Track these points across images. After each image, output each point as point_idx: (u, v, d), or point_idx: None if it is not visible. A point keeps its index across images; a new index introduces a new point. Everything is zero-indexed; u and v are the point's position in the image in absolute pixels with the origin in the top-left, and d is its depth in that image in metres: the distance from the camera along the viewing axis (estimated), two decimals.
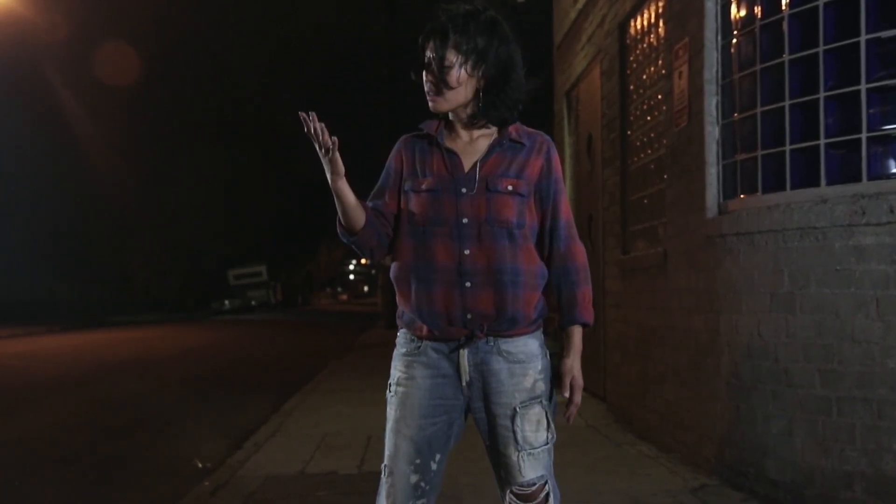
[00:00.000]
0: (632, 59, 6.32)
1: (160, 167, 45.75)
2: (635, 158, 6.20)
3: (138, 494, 4.96)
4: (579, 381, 2.28)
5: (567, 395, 2.27)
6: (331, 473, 4.93)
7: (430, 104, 2.26)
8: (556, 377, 2.32)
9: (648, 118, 5.87)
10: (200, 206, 49.82)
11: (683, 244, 4.90)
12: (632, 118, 6.31)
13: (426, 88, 2.25)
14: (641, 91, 6.06)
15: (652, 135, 5.78)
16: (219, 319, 38.19)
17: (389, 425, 2.27)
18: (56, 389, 10.00)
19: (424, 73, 2.25)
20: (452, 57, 2.19)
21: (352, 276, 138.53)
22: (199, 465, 5.53)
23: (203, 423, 7.42)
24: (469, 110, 2.26)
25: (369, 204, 2.32)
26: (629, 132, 6.36)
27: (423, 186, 2.25)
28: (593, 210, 7.44)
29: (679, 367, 5.00)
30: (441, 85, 2.21)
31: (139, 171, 43.25)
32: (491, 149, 2.26)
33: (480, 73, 2.21)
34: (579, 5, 7.84)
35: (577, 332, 2.31)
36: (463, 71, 2.20)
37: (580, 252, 2.33)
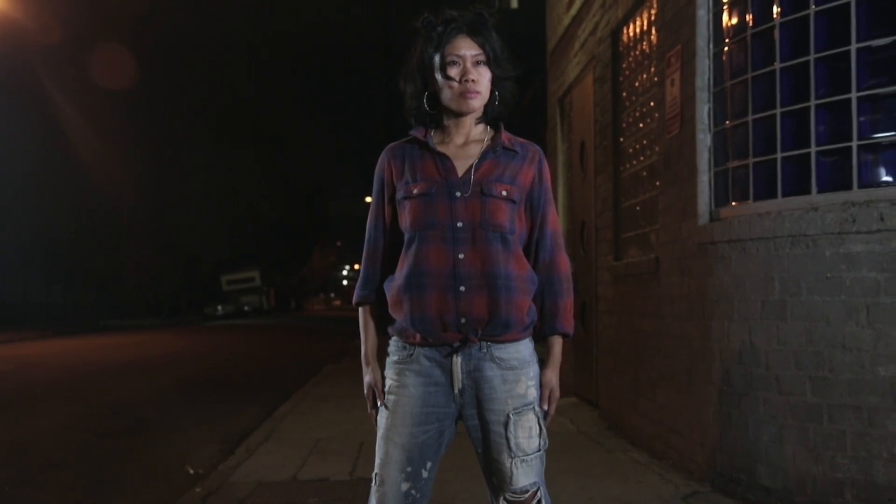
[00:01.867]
0: (624, 66, 6.34)
1: (155, 171, 45.74)
2: (628, 165, 6.22)
3: (130, 500, 4.95)
4: (556, 394, 2.33)
5: (545, 407, 2.30)
6: (323, 480, 4.93)
7: (466, 103, 2.23)
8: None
9: (641, 125, 5.89)
10: (195, 211, 49.81)
11: (675, 251, 4.92)
12: (624, 125, 6.33)
13: (462, 88, 2.22)
14: (634, 98, 6.08)
15: (644, 142, 5.80)
16: (212, 325, 38.10)
17: (381, 433, 2.26)
18: (49, 394, 9.97)
19: (457, 71, 2.22)
20: (491, 55, 2.24)
21: (345, 282, 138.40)
22: (191, 471, 5.51)
23: (195, 428, 7.40)
24: (480, 111, 2.30)
25: (369, 234, 2.40)
26: (622, 139, 6.38)
27: (416, 191, 2.24)
28: (586, 217, 7.45)
29: (671, 374, 5.02)
30: (482, 83, 2.23)
31: (134, 175, 43.21)
32: (484, 154, 2.27)
33: (495, 71, 2.27)
34: (572, 12, 7.87)
35: (557, 343, 2.34)
36: (494, 69, 2.26)
37: (564, 262, 2.35)
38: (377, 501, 2.23)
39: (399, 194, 2.28)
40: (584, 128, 7.62)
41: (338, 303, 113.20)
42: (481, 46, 2.22)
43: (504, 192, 2.23)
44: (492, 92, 2.28)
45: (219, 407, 8.76)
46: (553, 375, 2.31)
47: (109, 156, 40.45)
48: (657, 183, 5.36)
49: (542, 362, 2.30)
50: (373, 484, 2.26)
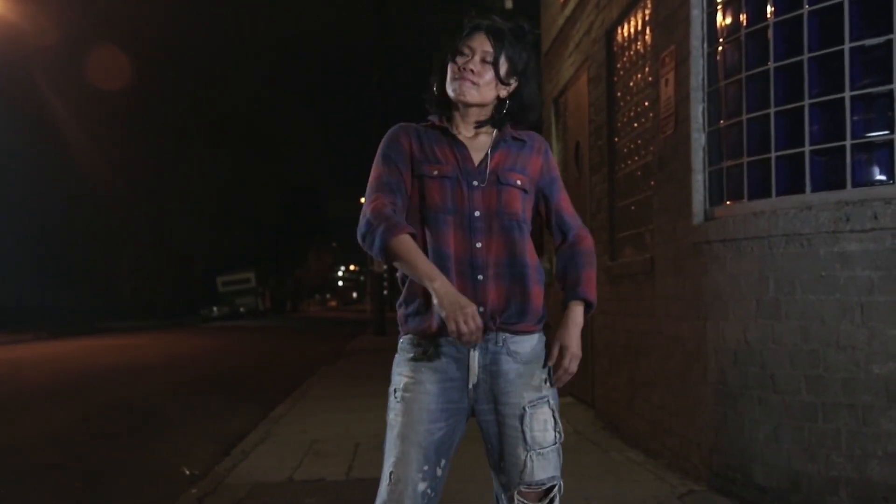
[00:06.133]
0: (619, 66, 6.35)
1: (150, 173, 45.66)
2: (623, 165, 6.23)
3: (126, 501, 4.94)
4: (574, 351, 2.26)
5: (551, 363, 2.26)
6: (319, 481, 4.92)
7: (460, 92, 2.26)
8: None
9: (635, 125, 5.90)
10: (191, 212, 49.74)
11: (670, 251, 4.92)
12: (619, 125, 6.33)
13: (459, 75, 2.26)
14: (628, 98, 6.09)
15: (639, 142, 5.80)
16: (207, 326, 38.05)
17: (395, 431, 2.23)
18: (44, 397, 9.95)
19: (462, 60, 2.27)
20: (502, 58, 2.27)
21: (341, 283, 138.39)
22: (187, 473, 5.51)
23: (191, 429, 7.39)
24: (485, 113, 2.32)
25: (390, 185, 2.26)
26: (616, 139, 6.39)
27: (435, 172, 2.26)
28: (581, 216, 7.44)
29: (666, 374, 5.02)
30: (482, 77, 2.26)
31: (129, 177, 43.13)
32: (496, 143, 2.31)
33: (511, 83, 2.30)
34: (567, 12, 7.87)
35: (576, 307, 2.31)
36: (502, 73, 2.28)
37: (587, 238, 2.42)
38: (392, 501, 2.19)
39: (420, 170, 2.28)
40: (578, 128, 7.63)
41: (333, 303, 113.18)
42: (495, 48, 2.26)
43: (518, 182, 2.28)
44: (502, 99, 2.32)
45: (214, 408, 8.75)
46: (566, 333, 2.26)
47: (104, 158, 40.38)
48: (652, 183, 5.36)
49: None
50: (385, 482, 2.21)
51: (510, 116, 2.34)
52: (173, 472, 5.58)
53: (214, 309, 52.37)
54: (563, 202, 2.42)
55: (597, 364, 6.73)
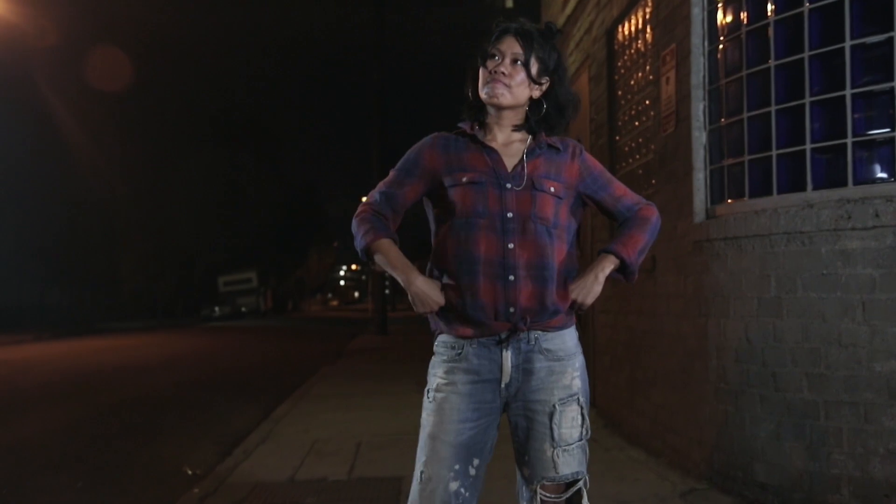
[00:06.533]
0: (619, 64, 6.34)
1: (151, 173, 45.66)
2: (624, 164, 6.22)
3: (127, 501, 4.94)
4: (579, 295, 2.35)
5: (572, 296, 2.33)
6: (321, 480, 4.92)
7: (493, 94, 2.30)
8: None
9: (636, 124, 5.89)
10: (191, 213, 49.74)
11: (672, 249, 4.92)
12: (620, 124, 6.33)
13: (491, 78, 2.30)
14: (629, 97, 6.09)
15: (640, 140, 5.80)
16: (209, 326, 38.07)
17: (427, 431, 2.28)
18: (45, 397, 9.96)
19: (493, 63, 2.31)
20: (532, 58, 2.31)
21: (342, 283, 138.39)
22: (189, 472, 5.51)
23: (193, 429, 7.40)
24: (519, 116, 2.36)
25: (377, 198, 2.41)
26: (617, 138, 6.38)
27: (465, 179, 2.30)
28: (582, 216, 7.44)
29: (668, 372, 5.02)
30: (514, 79, 2.30)
31: (130, 177, 43.13)
32: (531, 150, 2.34)
33: (543, 83, 2.35)
34: (567, 11, 7.87)
35: (603, 258, 2.39)
36: (533, 73, 2.32)
37: (648, 209, 2.46)
38: (422, 499, 2.22)
39: (447, 181, 2.32)
40: (579, 127, 7.62)
41: (335, 303, 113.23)
42: (524, 49, 2.30)
43: (552, 189, 2.32)
44: (536, 101, 2.36)
45: (216, 408, 8.75)
46: (579, 277, 2.35)
47: (105, 158, 40.38)
48: (653, 181, 5.36)
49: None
50: (416, 481, 2.26)
51: (547, 118, 2.37)
52: (175, 471, 5.59)
53: (216, 309, 52.40)
54: (618, 191, 2.46)
55: (598, 363, 6.73)
